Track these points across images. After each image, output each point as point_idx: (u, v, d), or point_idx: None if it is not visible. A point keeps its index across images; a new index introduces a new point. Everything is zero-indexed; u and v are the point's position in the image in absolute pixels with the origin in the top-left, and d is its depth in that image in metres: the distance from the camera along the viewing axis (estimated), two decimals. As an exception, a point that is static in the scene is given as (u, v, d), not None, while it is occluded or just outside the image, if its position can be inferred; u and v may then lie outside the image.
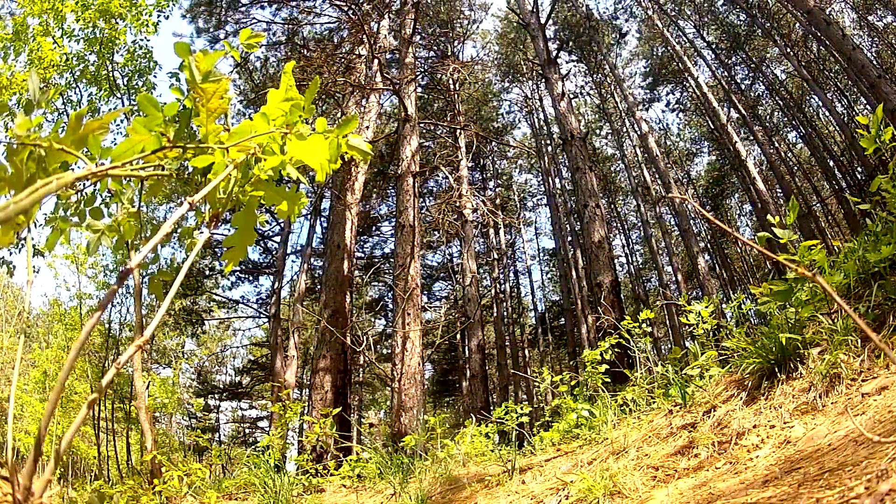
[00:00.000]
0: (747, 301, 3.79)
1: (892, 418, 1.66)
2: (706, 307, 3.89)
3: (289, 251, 16.84)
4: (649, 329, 4.42)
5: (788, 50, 16.42)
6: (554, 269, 23.59)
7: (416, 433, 5.35)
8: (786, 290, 2.50)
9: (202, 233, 1.04)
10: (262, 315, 17.31)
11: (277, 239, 16.46)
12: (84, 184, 1.06)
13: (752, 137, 18.11)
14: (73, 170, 0.90)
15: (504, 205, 22.14)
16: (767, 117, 19.37)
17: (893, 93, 8.44)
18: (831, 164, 16.49)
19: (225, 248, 1.04)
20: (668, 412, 3.03)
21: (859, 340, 2.22)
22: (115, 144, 0.97)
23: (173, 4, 9.36)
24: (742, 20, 17.53)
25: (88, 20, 8.40)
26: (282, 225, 15.75)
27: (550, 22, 14.81)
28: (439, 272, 21.90)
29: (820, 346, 2.40)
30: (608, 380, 4.25)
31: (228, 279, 18.06)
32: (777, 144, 18.87)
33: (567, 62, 19.17)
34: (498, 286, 20.60)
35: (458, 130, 14.96)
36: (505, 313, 20.77)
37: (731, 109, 17.49)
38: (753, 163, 17.25)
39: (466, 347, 16.13)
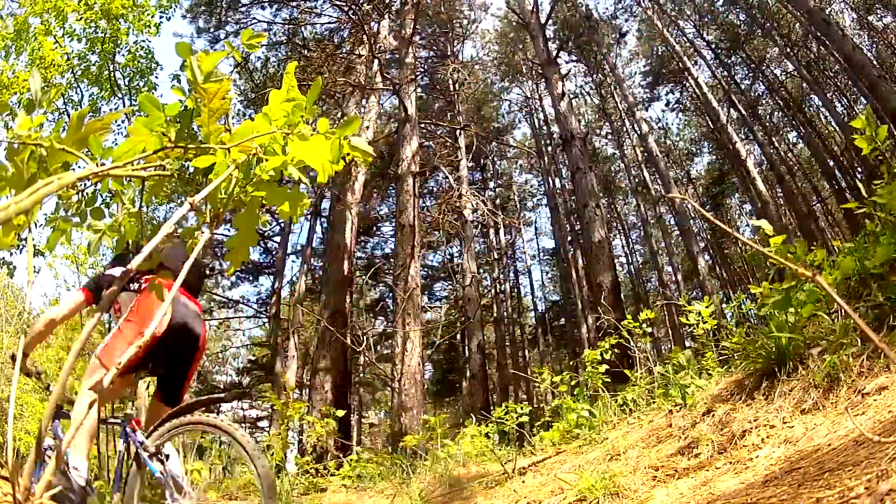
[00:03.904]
0: (747, 301, 3.79)
1: (892, 418, 1.66)
2: (706, 307, 3.89)
3: (289, 251, 16.85)
4: (649, 329, 4.43)
5: (788, 50, 16.41)
6: (554, 269, 23.58)
7: (416, 433, 5.35)
8: (784, 300, 2.51)
9: (203, 233, 1.04)
10: (262, 315, 17.31)
11: (277, 239, 16.46)
12: (85, 184, 1.07)
13: (752, 137, 18.10)
14: (74, 170, 0.90)
15: (504, 205, 22.13)
16: (767, 117, 19.35)
17: (893, 93, 8.44)
18: (831, 164, 16.47)
19: (226, 248, 1.05)
20: (669, 412, 3.03)
21: (859, 340, 2.22)
22: (117, 145, 0.98)
23: (175, 6, 9.37)
24: (742, 20, 17.52)
25: (90, 20, 8.41)
26: (282, 225, 15.75)
27: (550, 22, 14.78)
28: (439, 272, 21.89)
29: (820, 346, 2.40)
30: (608, 380, 4.25)
31: (229, 279, 18.07)
32: (777, 144, 18.86)
33: (567, 62, 19.15)
34: (498, 286, 20.60)
35: (458, 130, 14.96)
36: (505, 313, 20.76)
37: (731, 109, 17.48)
38: (753, 163, 17.24)
39: (466, 347, 16.12)
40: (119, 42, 8.73)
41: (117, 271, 2.42)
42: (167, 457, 2.01)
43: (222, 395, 2.49)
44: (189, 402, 2.15)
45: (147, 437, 2.04)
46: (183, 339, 2.35)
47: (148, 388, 6.60)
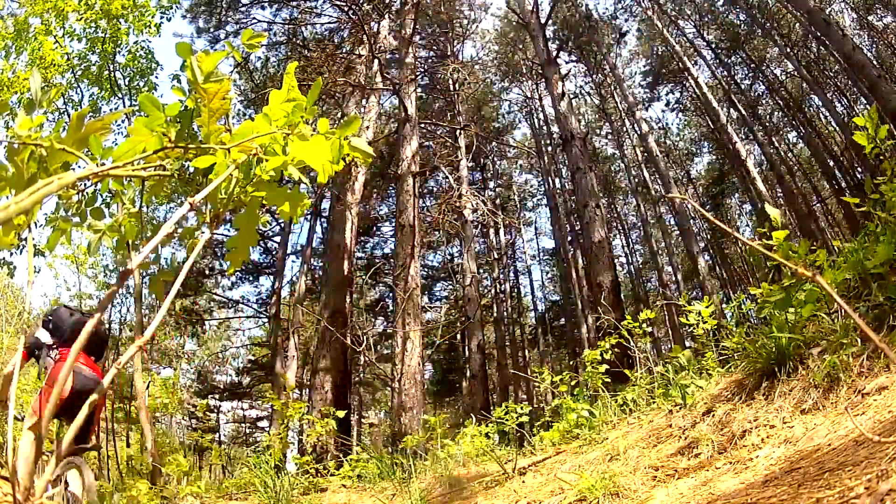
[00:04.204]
0: (747, 301, 3.78)
1: (892, 418, 1.66)
2: (706, 307, 3.89)
3: (289, 251, 16.85)
4: (649, 329, 4.43)
5: (788, 50, 16.40)
6: (554, 269, 23.57)
7: (416, 433, 5.35)
8: (784, 299, 2.50)
9: (203, 233, 1.04)
10: (262, 315, 17.30)
11: (277, 239, 16.45)
12: (85, 184, 1.07)
13: (752, 137, 18.09)
14: (74, 170, 0.90)
15: (504, 205, 22.12)
16: (767, 117, 19.35)
17: (893, 93, 8.43)
18: (831, 164, 16.46)
19: (226, 249, 1.05)
20: (669, 412, 3.03)
21: (859, 340, 2.22)
22: (117, 145, 0.98)
23: (176, 6, 9.38)
24: (742, 20, 17.52)
25: (90, 20, 8.41)
26: (282, 225, 15.75)
27: (550, 22, 14.77)
28: (439, 272, 21.89)
29: (820, 345, 2.40)
30: (608, 380, 4.25)
31: (229, 279, 18.07)
32: (777, 144, 18.85)
33: (567, 62, 19.13)
34: (498, 286, 20.59)
35: (458, 130, 14.96)
36: (505, 313, 20.76)
37: (731, 109, 17.48)
38: (753, 163, 17.24)
39: (466, 347, 16.12)
40: (119, 42, 8.74)
41: (42, 334, 3.14)
42: (66, 483, 2.73)
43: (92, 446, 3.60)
44: (77, 447, 2.94)
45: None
46: (81, 401, 2.97)
47: (148, 387, 6.68)
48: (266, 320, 16.38)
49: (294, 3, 13.89)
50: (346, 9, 11.34)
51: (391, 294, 15.12)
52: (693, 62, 18.29)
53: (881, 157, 2.60)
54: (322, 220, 15.69)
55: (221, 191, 0.98)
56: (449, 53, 16.77)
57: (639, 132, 19.15)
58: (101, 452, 13.17)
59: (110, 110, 9.30)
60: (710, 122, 18.67)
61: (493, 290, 20.20)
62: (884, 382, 1.92)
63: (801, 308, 2.55)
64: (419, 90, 14.12)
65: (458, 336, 17.78)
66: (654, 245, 21.44)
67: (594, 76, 21.06)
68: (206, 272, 16.72)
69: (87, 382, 3.02)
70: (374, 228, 20.02)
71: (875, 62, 12.24)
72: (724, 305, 4.46)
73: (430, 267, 21.82)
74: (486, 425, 4.55)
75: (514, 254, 23.41)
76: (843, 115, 15.93)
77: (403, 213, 9.00)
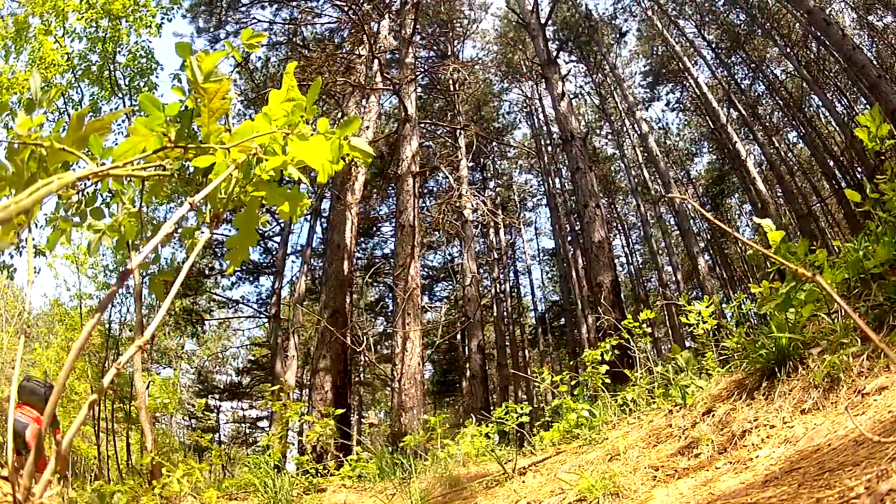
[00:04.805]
0: (747, 301, 3.78)
1: (892, 418, 1.66)
2: (706, 307, 3.89)
3: (289, 251, 16.84)
4: (649, 329, 4.42)
5: (788, 50, 16.40)
6: (554, 269, 23.58)
7: (416, 433, 5.35)
8: (785, 301, 2.50)
9: (203, 233, 1.04)
10: (262, 315, 17.30)
11: (278, 239, 16.45)
12: (85, 184, 1.07)
13: (752, 137, 18.10)
14: (74, 169, 0.90)
15: (504, 205, 22.12)
16: (767, 117, 19.35)
17: (893, 93, 8.43)
18: (831, 164, 16.46)
19: (226, 248, 1.05)
20: (669, 412, 3.03)
21: (859, 340, 2.22)
22: (117, 144, 0.98)
23: (177, 7, 9.38)
24: (742, 20, 17.52)
25: (91, 19, 8.41)
26: (282, 225, 15.75)
27: (550, 22, 14.76)
28: (439, 272, 21.90)
29: (820, 346, 2.40)
30: (608, 380, 4.25)
31: (229, 279, 18.07)
32: (777, 144, 18.85)
33: (567, 62, 19.14)
34: (498, 286, 20.59)
35: (458, 130, 14.96)
36: (505, 313, 20.76)
37: (731, 109, 17.48)
38: (753, 163, 17.24)
39: (466, 347, 16.12)
40: (120, 42, 8.74)
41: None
42: None
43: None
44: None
45: None
46: (15, 438, 3.85)
47: (148, 387, 6.69)
48: (266, 320, 16.38)
49: (294, 3, 13.89)
50: (346, 9, 11.34)
51: (391, 294, 15.11)
52: (693, 62, 18.30)
53: (882, 157, 2.60)
54: (322, 220, 15.69)
55: (221, 191, 0.98)
56: (449, 53, 16.78)
57: (639, 132, 19.15)
58: (101, 452, 13.20)
59: (110, 110, 9.30)
60: (710, 122, 18.67)
61: (493, 290, 20.20)
62: (884, 382, 1.92)
63: (801, 308, 2.55)
64: (419, 90, 14.11)
65: (458, 336, 17.77)
66: (654, 245, 21.45)
67: (594, 76, 21.06)
68: (206, 272, 16.72)
69: (18, 426, 4.25)
70: (374, 228, 20.02)
71: (875, 62, 12.23)
72: (724, 305, 4.46)
73: (430, 267, 21.83)
74: (486, 425, 4.55)
75: (514, 254, 23.43)
76: (843, 115, 15.93)
77: (403, 213, 9.00)
